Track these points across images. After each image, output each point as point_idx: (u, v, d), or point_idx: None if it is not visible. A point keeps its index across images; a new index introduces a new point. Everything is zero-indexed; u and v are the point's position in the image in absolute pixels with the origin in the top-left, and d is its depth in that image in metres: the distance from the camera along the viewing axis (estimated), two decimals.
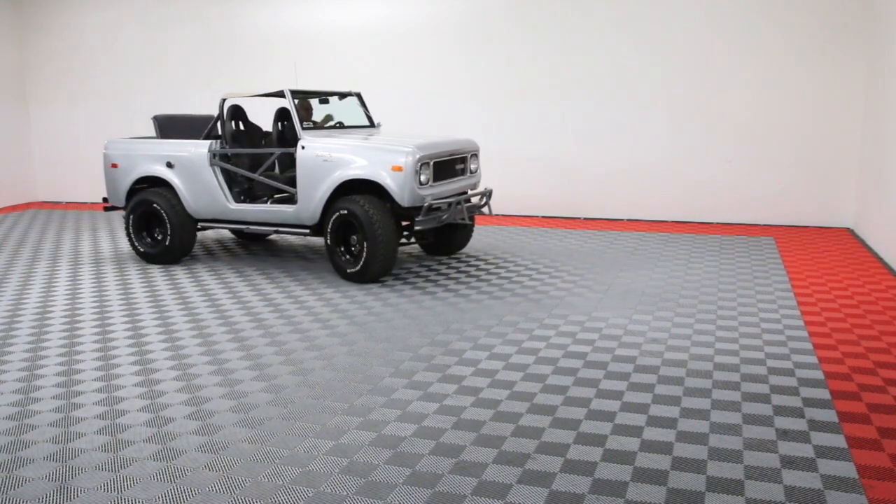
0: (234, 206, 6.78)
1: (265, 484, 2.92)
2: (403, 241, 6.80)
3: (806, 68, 8.56)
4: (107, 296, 5.98)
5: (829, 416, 3.48)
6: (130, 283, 6.39)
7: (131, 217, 7.18)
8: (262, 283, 6.34)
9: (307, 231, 6.54)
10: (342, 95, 7.40)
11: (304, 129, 6.50)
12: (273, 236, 8.53)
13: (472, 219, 7.03)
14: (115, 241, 8.57)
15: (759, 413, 3.52)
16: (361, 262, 6.09)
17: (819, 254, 7.25)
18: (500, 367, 4.21)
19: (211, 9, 11.08)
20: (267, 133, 7.51)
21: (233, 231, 6.85)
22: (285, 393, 3.86)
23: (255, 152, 6.78)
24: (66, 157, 12.42)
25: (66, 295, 6.02)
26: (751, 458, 3.07)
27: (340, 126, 7.12)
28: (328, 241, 6.28)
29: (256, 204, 6.77)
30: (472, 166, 7.02)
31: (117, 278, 6.60)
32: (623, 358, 4.34)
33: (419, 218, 6.05)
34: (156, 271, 6.87)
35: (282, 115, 7.21)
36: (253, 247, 8.03)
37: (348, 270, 6.21)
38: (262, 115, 9.46)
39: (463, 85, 9.89)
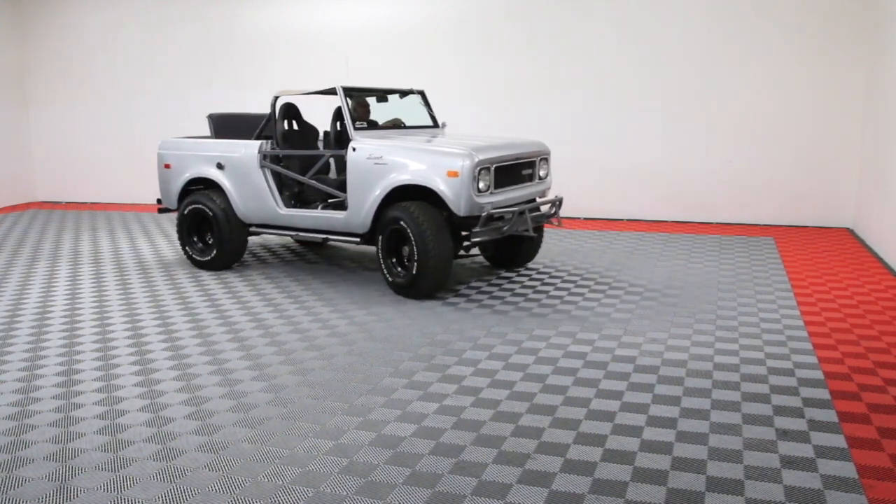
0: (283, 210, 6.42)
1: (265, 484, 2.92)
2: (462, 253, 6.23)
3: (806, 68, 8.56)
4: (106, 296, 5.97)
5: (829, 416, 3.48)
6: (130, 283, 6.39)
7: (182, 220, 6.90)
8: (262, 284, 6.34)
9: (358, 240, 6.09)
10: (403, 93, 6.95)
11: (356, 129, 6.09)
12: (333, 242, 8.08)
13: (539, 229, 6.61)
14: (115, 241, 8.57)
15: (758, 413, 3.52)
16: (412, 276, 5.58)
17: (819, 254, 7.25)
18: (499, 366, 4.21)
19: (211, 9, 11.08)
20: (326, 133, 7.03)
21: (293, 237, 6.58)
22: (285, 393, 3.86)
23: (306, 154, 6.44)
24: (66, 157, 12.42)
25: (66, 295, 6.02)
26: (751, 458, 3.07)
27: (401, 126, 6.72)
28: (379, 252, 5.82)
29: (306, 209, 6.39)
30: (542, 172, 6.41)
31: (117, 278, 6.60)
32: (622, 358, 4.33)
33: (476, 229, 5.52)
34: (156, 271, 6.87)
35: (340, 114, 6.59)
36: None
37: (398, 284, 5.73)
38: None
39: (462, 85, 9.89)
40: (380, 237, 5.78)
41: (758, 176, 8.93)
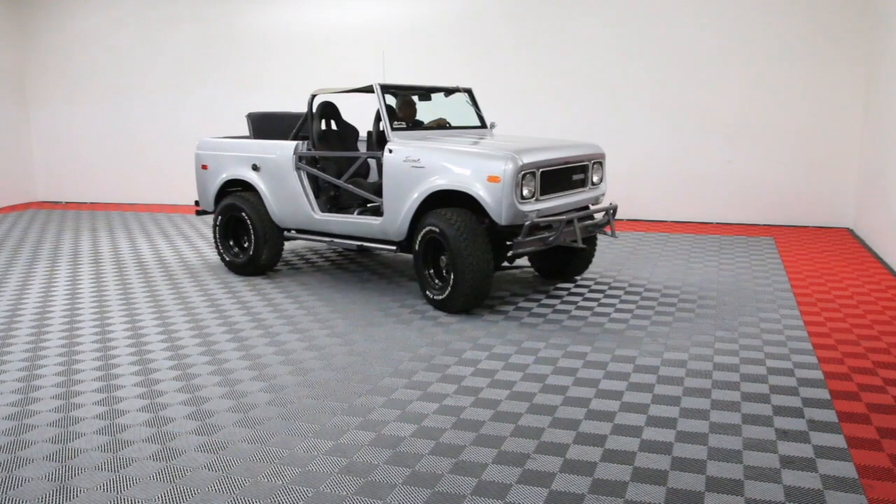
0: (319, 215, 6.08)
1: (265, 484, 2.92)
2: (506, 264, 5.85)
3: (806, 68, 8.56)
4: (106, 296, 5.97)
5: (829, 416, 3.48)
6: (130, 283, 6.39)
7: (218, 223, 6.67)
8: (262, 285, 6.33)
9: (394, 248, 5.69)
10: (448, 91, 6.51)
11: (393, 129, 5.71)
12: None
13: (591, 240, 6.10)
14: (115, 240, 8.57)
15: (758, 413, 3.52)
16: (448, 289, 5.19)
17: (819, 254, 7.25)
18: (499, 367, 4.21)
19: (210, 9, 11.08)
20: (369, 134, 6.36)
21: (328, 244, 6.29)
22: (285, 393, 3.86)
23: (341, 155, 6.11)
24: (66, 157, 12.42)
25: (66, 295, 6.02)
26: (750, 458, 3.07)
27: (447, 126, 6.33)
28: (416, 262, 5.44)
29: (342, 214, 6.04)
30: (595, 177, 5.89)
31: (117, 278, 6.60)
32: (622, 358, 4.33)
33: (517, 239, 5.08)
34: (156, 271, 6.86)
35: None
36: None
37: (434, 297, 5.32)
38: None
39: (461, 85, 9.87)
40: (416, 246, 5.40)
41: (758, 176, 8.93)
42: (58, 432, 3.40)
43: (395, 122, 5.81)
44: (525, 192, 5.09)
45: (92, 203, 12.21)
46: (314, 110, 6.24)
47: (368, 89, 5.91)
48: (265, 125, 6.90)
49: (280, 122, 6.95)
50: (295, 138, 6.33)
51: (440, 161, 5.30)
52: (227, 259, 6.70)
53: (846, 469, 2.97)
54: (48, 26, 12.11)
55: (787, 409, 3.57)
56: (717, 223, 9.12)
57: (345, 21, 10.43)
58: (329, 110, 6.53)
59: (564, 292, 5.89)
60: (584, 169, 5.74)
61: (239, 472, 3.01)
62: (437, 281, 5.40)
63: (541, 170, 5.21)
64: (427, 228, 5.24)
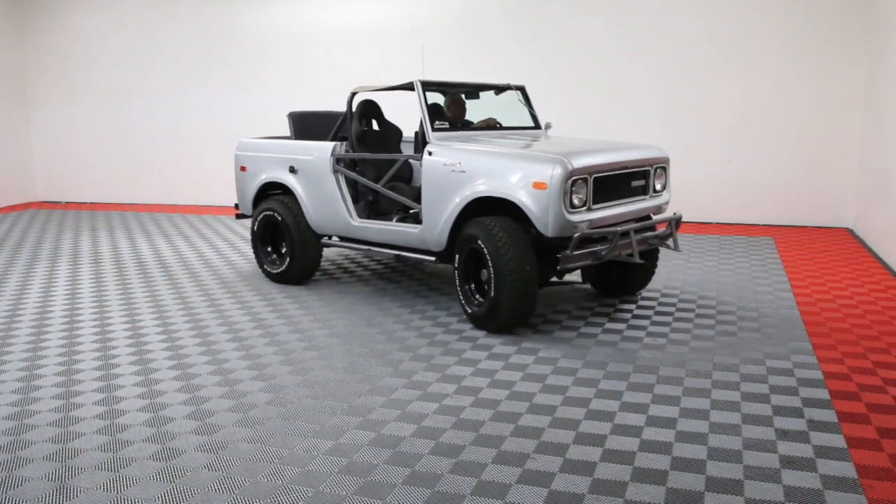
0: (356, 221, 5.71)
1: (265, 484, 2.92)
2: (555, 279, 5.34)
3: (806, 68, 8.56)
4: (106, 296, 5.97)
5: (829, 416, 3.48)
6: (130, 283, 6.39)
7: (255, 228, 6.36)
8: (262, 284, 6.33)
9: (433, 258, 5.31)
10: (499, 89, 6.05)
11: (434, 129, 5.29)
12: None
13: (651, 254, 5.56)
14: (115, 240, 8.57)
15: (758, 413, 3.52)
16: (488, 305, 4.74)
17: (818, 254, 7.25)
18: (499, 367, 4.21)
19: (210, 9, 11.08)
20: (416, 135, 5.71)
21: (365, 251, 5.92)
22: (285, 393, 3.86)
23: (379, 157, 5.72)
24: (66, 157, 12.43)
25: (66, 295, 6.02)
26: (750, 458, 3.07)
27: (496, 127, 5.91)
28: (456, 275, 5.02)
29: (380, 221, 5.65)
30: (658, 184, 5.34)
31: (117, 278, 6.60)
32: (622, 358, 4.33)
33: (565, 252, 4.57)
34: (156, 271, 6.86)
35: (430, 113, 5.62)
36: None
37: (473, 314, 4.88)
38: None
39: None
40: (457, 257, 4.98)
41: (758, 176, 8.93)
42: (58, 432, 3.40)
43: (438, 122, 5.41)
44: (575, 200, 4.60)
45: (92, 203, 12.21)
46: (354, 109, 5.92)
47: (409, 86, 5.52)
48: (306, 125, 6.54)
49: (322, 121, 6.60)
50: (334, 139, 5.99)
51: (482, 165, 4.87)
52: (264, 266, 6.38)
53: (846, 469, 2.97)
54: (48, 26, 12.11)
55: (786, 409, 3.57)
56: (717, 223, 9.13)
57: (345, 21, 10.44)
58: (370, 109, 6.19)
59: (566, 290, 5.88)
60: (644, 175, 5.18)
61: (239, 472, 3.01)
62: (477, 296, 4.95)
63: (594, 175, 4.70)
64: (467, 238, 4.83)
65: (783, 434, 3.29)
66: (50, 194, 12.65)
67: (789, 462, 3.03)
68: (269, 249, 6.41)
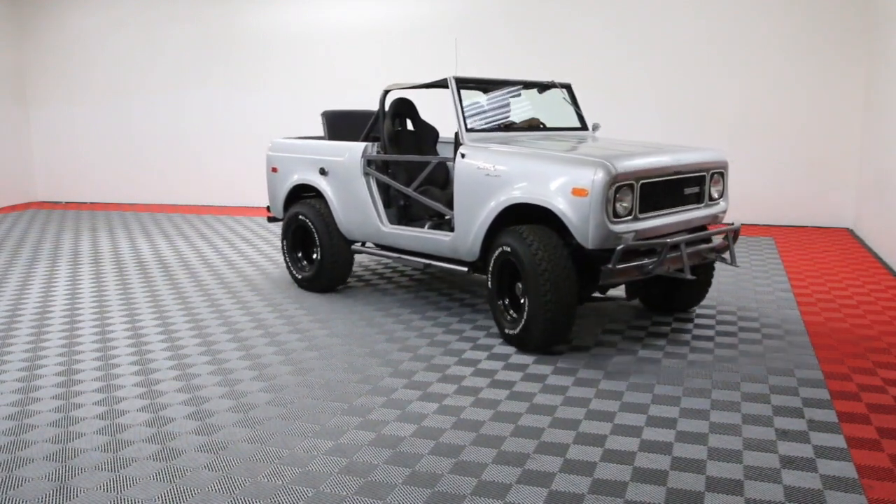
0: (387, 227, 5.40)
1: (265, 484, 2.92)
2: (598, 295, 4.87)
3: (806, 68, 8.56)
4: (106, 296, 5.97)
5: (829, 416, 3.48)
6: (130, 283, 6.39)
7: (285, 232, 6.12)
8: (262, 284, 6.33)
9: (465, 269, 4.98)
10: (542, 87, 5.67)
11: (469, 130, 4.91)
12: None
13: (703, 269, 5.02)
14: (115, 240, 8.57)
15: (758, 413, 3.52)
16: (522, 323, 4.36)
17: (819, 254, 7.25)
18: (499, 367, 4.21)
19: (210, 8, 11.08)
20: (457, 136, 5.15)
21: (394, 259, 5.59)
22: (285, 393, 3.86)
23: (410, 159, 5.33)
24: (66, 157, 12.43)
25: (66, 295, 6.02)
26: (750, 459, 3.07)
27: (539, 127, 5.50)
28: (490, 288, 4.63)
29: (411, 227, 5.31)
30: (714, 191, 4.85)
31: (117, 278, 6.60)
32: (621, 358, 4.33)
33: (607, 266, 4.13)
34: (155, 271, 6.86)
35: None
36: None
37: (507, 332, 4.50)
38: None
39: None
40: (489, 269, 4.60)
41: (757, 176, 8.93)
42: (58, 432, 3.40)
43: (475, 123, 5.06)
44: (619, 208, 4.16)
45: (92, 203, 12.21)
46: (386, 108, 5.61)
47: (443, 84, 5.19)
48: (341, 124, 6.24)
49: (358, 120, 6.30)
50: (366, 139, 5.70)
51: (518, 168, 4.46)
52: (294, 272, 6.11)
53: (846, 469, 2.97)
54: (48, 26, 12.11)
55: (787, 409, 3.57)
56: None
57: (345, 21, 10.44)
58: (404, 108, 5.87)
59: None
60: (699, 181, 4.70)
61: (239, 472, 3.01)
62: (511, 312, 4.58)
63: (641, 181, 4.25)
64: (501, 249, 4.44)
65: (783, 434, 3.29)
66: (50, 194, 12.65)
67: (789, 462, 3.03)
68: (300, 255, 6.15)
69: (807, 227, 8.81)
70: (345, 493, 2.84)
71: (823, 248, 7.52)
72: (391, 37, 10.19)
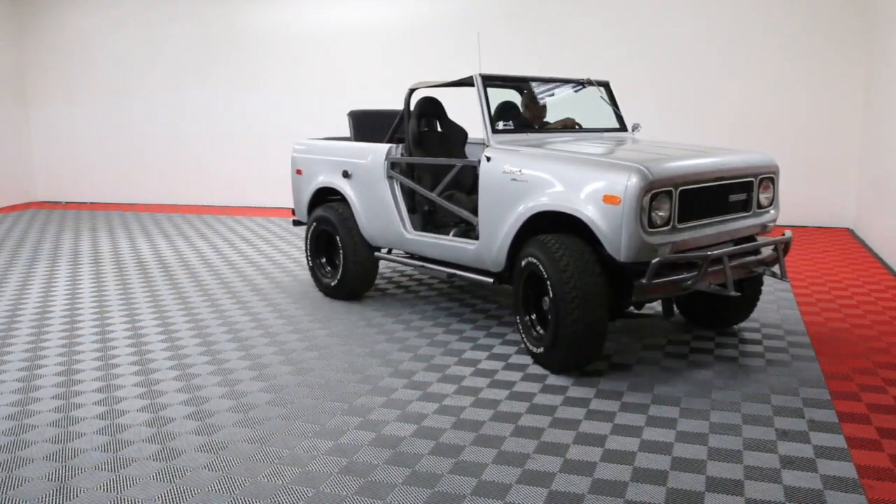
0: (410, 234, 5.12)
1: (265, 484, 2.92)
2: (632, 310, 4.45)
3: (806, 68, 8.56)
4: (106, 296, 5.97)
5: (829, 416, 3.48)
6: (130, 283, 6.39)
7: (308, 238, 5.90)
8: (262, 285, 6.33)
9: (491, 280, 4.65)
10: (578, 84, 5.35)
11: (496, 131, 4.61)
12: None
13: (754, 281, 4.63)
14: (115, 240, 8.57)
15: (758, 413, 3.52)
16: (548, 340, 4.00)
17: (819, 254, 7.25)
18: (499, 367, 4.21)
19: (210, 8, 11.08)
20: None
21: (417, 267, 5.32)
22: (285, 393, 3.86)
23: (434, 162, 5.10)
24: (66, 157, 12.43)
25: (66, 295, 6.02)
26: (750, 459, 3.07)
27: (574, 128, 5.23)
28: (517, 301, 4.29)
29: (435, 235, 5.02)
30: (763, 198, 4.43)
31: (117, 278, 6.60)
32: (621, 358, 4.33)
33: (641, 281, 3.81)
34: (155, 271, 6.86)
35: (503, 112, 4.97)
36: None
37: (533, 349, 4.16)
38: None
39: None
40: (516, 281, 4.27)
41: None
42: (58, 432, 3.40)
43: (503, 123, 4.75)
44: (655, 217, 3.78)
45: (92, 203, 12.21)
46: (412, 108, 5.35)
47: (468, 82, 4.86)
48: (368, 124, 5.96)
49: (386, 120, 5.94)
50: (390, 140, 5.43)
51: (545, 173, 4.12)
52: (317, 279, 5.91)
53: (846, 469, 2.97)
54: (48, 26, 12.11)
55: (787, 409, 3.57)
56: None
57: (345, 21, 10.44)
58: (431, 108, 5.58)
59: None
60: (746, 187, 4.28)
61: (239, 472, 3.01)
62: (538, 329, 4.22)
63: (680, 188, 3.86)
64: (527, 260, 4.10)
65: (783, 434, 3.29)
66: (50, 194, 12.65)
67: (790, 462, 3.03)
68: (324, 261, 5.93)
69: (807, 227, 8.80)
70: (345, 493, 2.84)
71: (823, 248, 7.52)
72: (391, 37, 10.19)
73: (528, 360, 4.31)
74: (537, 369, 4.15)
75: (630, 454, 3.12)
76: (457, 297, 5.80)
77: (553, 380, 3.99)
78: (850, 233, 8.40)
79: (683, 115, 9.09)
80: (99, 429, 3.44)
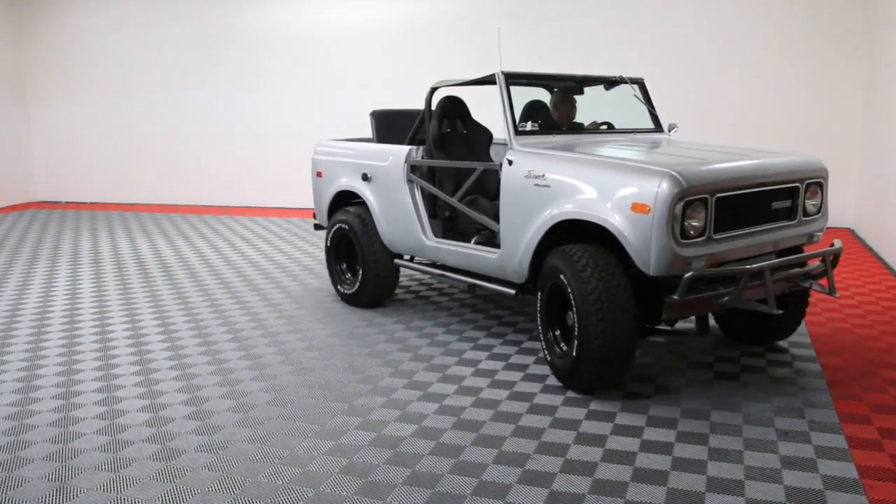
0: (430, 240, 4.88)
1: (265, 484, 2.91)
2: (664, 327, 3.84)
3: (806, 68, 8.56)
4: (106, 296, 5.97)
5: (830, 416, 3.48)
6: (130, 283, 6.39)
7: (328, 243, 5.66)
8: (262, 285, 6.33)
9: (513, 291, 4.36)
10: (610, 83, 5.03)
11: (519, 133, 4.32)
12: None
13: (798, 295, 4.23)
14: (115, 240, 8.56)
15: (759, 413, 3.52)
16: (571, 359, 3.69)
17: None
18: (499, 367, 4.21)
19: (210, 8, 11.08)
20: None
21: (436, 276, 5.08)
22: (285, 393, 3.86)
23: (454, 165, 4.83)
24: (66, 157, 12.43)
25: (66, 295, 6.02)
26: (751, 459, 3.06)
27: (608, 129, 4.97)
28: (540, 315, 4.00)
29: (457, 242, 4.75)
30: (810, 205, 4.07)
31: (117, 278, 6.60)
32: None
33: (672, 297, 3.47)
34: (155, 271, 6.86)
35: (531, 112, 4.73)
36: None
37: (558, 367, 3.85)
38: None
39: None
40: (539, 294, 3.98)
41: None
42: (58, 432, 3.40)
43: (530, 124, 4.48)
44: (689, 227, 3.45)
45: (92, 203, 12.21)
46: (433, 108, 5.10)
47: (490, 80, 4.60)
48: (391, 125, 5.71)
49: (410, 120, 5.63)
50: (411, 142, 5.18)
51: (568, 177, 3.82)
52: (338, 286, 5.68)
53: (847, 469, 2.97)
54: (48, 26, 12.11)
55: (787, 409, 3.57)
56: None
57: (345, 21, 10.44)
58: (453, 108, 5.31)
59: None
60: (790, 193, 3.92)
61: (239, 472, 3.01)
62: (562, 345, 3.91)
63: (717, 195, 3.52)
64: (550, 271, 3.81)
65: (784, 434, 3.29)
66: (50, 194, 12.64)
67: (790, 462, 3.03)
68: (344, 267, 5.71)
69: None
70: (345, 493, 2.84)
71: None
72: (391, 37, 10.19)
73: (528, 360, 4.31)
74: (537, 369, 4.15)
75: (630, 454, 3.12)
76: (457, 297, 5.80)
77: (553, 380, 3.99)
78: (850, 233, 8.40)
79: (683, 115, 9.07)
80: (99, 429, 3.43)
